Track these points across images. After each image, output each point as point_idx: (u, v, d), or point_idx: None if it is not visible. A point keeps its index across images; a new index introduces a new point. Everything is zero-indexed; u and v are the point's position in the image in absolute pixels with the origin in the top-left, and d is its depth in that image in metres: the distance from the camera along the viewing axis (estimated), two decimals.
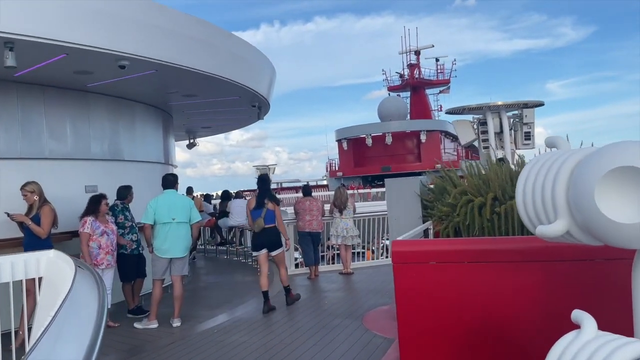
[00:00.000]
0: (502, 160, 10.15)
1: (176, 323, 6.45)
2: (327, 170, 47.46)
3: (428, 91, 53.02)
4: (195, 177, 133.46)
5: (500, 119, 11.36)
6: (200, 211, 13.34)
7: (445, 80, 52.75)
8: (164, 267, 6.47)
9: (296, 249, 10.31)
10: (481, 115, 11.67)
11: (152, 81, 7.29)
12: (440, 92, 54.50)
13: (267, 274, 7.37)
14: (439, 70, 52.72)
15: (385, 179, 6.26)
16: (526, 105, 11.15)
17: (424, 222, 5.91)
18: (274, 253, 7.32)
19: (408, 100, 50.28)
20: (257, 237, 7.29)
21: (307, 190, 9.70)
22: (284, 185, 47.69)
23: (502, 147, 11.41)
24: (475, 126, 11.70)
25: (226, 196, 13.03)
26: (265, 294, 7.10)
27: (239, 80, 7.87)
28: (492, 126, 11.27)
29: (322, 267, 9.86)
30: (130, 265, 7.01)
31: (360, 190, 37.41)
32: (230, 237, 12.98)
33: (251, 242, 7.47)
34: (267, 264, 7.42)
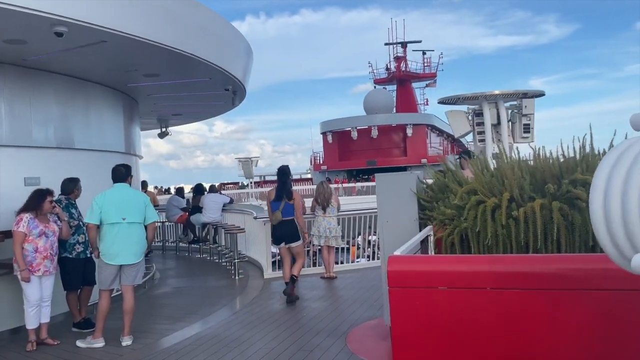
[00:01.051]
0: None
1: (126, 341, 5.44)
2: (311, 164, 46.45)
3: (414, 85, 52.27)
4: (179, 169, 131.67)
5: (498, 110, 10.51)
6: (155, 206, 12.25)
7: (432, 74, 52.02)
8: (112, 275, 5.44)
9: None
10: (477, 106, 10.81)
11: (104, 56, 6.24)
12: (427, 85, 53.81)
13: (290, 265, 7.32)
14: (425, 64, 51.97)
15: (376, 174, 5.31)
16: (525, 95, 10.30)
17: (421, 226, 4.99)
18: (293, 245, 7.30)
19: (394, 94, 49.42)
20: (274, 230, 7.33)
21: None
22: (268, 178, 46.51)
23: (499, 140, 10.57)
24: (470, 117, 10.84)
25: (199, 190, 11.98)
26: (288, 285, 7.10)
27: (208, 58, 6.85)
28: (488, 117, 10.41)
29: (302, 270, 8.88)
30: (76, 271, 5.98)
31: (345, 185, 36.53)
32: (203, 235, 11.95)
33: (271, 234, 7.56)
34: (288, 255, 7.38)
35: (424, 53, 52.29)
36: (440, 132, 46.84)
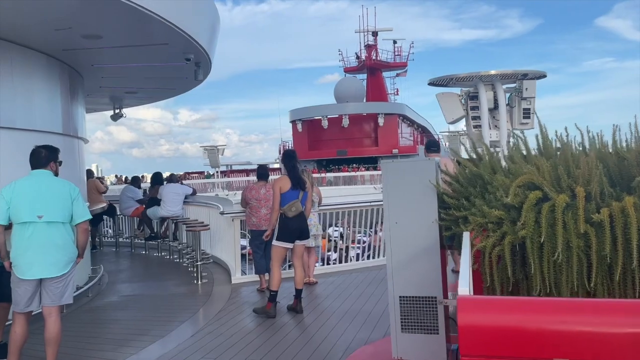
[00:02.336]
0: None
1: None
2: (279, 153, 44.98)
3: (385, 74, 51.32)
4: (142, 158, 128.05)
5: (495, 93, 9.43)
6: (102, 193, 10.65)
7: (403, 63, 51.20)
8: (27, 293, 4.05)
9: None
10: (471, 88, 9.70)
11: (25, 6, 4.78)
12: (397, 75, 53.02)
13: (302, 268, 6.21)
14: (396, 53, 51.10)
15: (382, 161, 4.08)
16: (525, 76, 9.25)
17: (441, 230, 3.81)
18: (306, 242, 6.27)
19: (364, 83, 48.33)
20: (290, 223, 5.86)
21: (263, 172, 7.35)
22: (235, 167, 44.83)
23: (495, 126, 9.50)
24: (463, 101, 9.73)
25: (157, 180, 10.53)
26: (298, 295, 6.04)
27: (165, 15, 5.46)
28: (485, 101, 9.31)
29: None
30: None
31: (315, 175, 35.30)
32: (162, 230, 10.52)
33: (279, 231, 5.90)
34: (301, 257, 6.21)
35: (394, 42, 51.42)
36: (412, 123, 46.11)
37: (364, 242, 12.82)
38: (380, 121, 39.69)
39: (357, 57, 50.79)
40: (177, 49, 6.72)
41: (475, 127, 9.44)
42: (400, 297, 3.99)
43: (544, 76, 9.36)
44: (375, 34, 50.06)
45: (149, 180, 14.91)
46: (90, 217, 4.29)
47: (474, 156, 4.08)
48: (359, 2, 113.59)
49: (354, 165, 37.90)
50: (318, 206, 7.49)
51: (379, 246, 8.68)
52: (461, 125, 10.20)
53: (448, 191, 3.80)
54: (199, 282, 7.67)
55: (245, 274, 8.23)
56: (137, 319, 6.12)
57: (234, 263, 7.76)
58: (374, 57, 49.30)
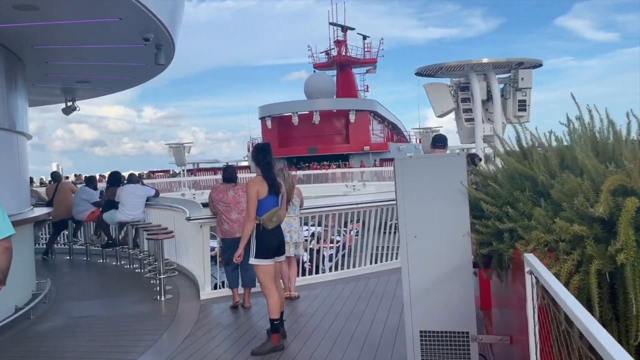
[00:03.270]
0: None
1: None
2: (248, 150, 43.72)
3: (354, 70, 50.62)
4: (105, 156, 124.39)
5: (488, 83, 8.69)
6: (42, 202, 9.66)
7: (373, 60, 50.61)
8: None
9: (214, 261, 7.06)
10: (462, 78, 8.94)
11: None
12: (367, 71, 52.39)
13: (281, 289, 5.07)
14: (366, 49, 50.47)
15: (396, 158, 3.20)
16: (521, 65, 8.53)
17: (473, 245, 2.95)
18: (283, 258, 5.07)
19: (334, 79, 47.51)
20: (272, 237, 4.67)
21: (229, 174, 6.36)
22: (202, 166, 43.36)
23: (489, 119, 8.76)
24: (453, 92, 8.96)
25: (115, 180, 9.41)
26: (281, 316, 4.77)
27: None
28: (478, 92, 8.55)
29: (253, 288, 6.65)
30: None
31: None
32: (121, 237, 9.42)
33: (256, 246, 4.65)
34: (279, 277, 5.10)
35: (364, 38, 50.84)
36: (382, 119, 45.54)
37: (338, 241, 12.01)
38: (352, 118, 38.93)
39: (327, 54, 49.98)
40: (133, 27, 5.68)
41: (467, 120, 8.68)
42: (421, 332, 3.11)
43: (540, 65, 8.67)
44: (345, 29, 49.33)
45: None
46: (13, 232, 3.26)
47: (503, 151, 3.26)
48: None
49: (325, 162, 37.03)
50: (299, 209, 6.56)
51: (353, 246, 7.87)
52: (442, 121, 9.44)
53: (483, 196, 2.94)
54: (163, 298, 6.66)
55: (216, 286, 7.28)
56: (85, 349, 5.07)
57: (203, 276, 6.77)
58: (343, 53, 48.53)
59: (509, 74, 8.81)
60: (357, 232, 8.25)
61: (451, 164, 2.95)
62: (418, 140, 44.46)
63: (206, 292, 6.62)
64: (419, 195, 3.01)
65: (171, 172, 37.63)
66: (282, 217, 4.79)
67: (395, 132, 49.57)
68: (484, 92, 8.61)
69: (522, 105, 8.60)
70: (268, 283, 4.61)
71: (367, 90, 52.93)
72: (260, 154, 4.77)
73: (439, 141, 6.85)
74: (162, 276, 6.70)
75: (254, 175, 5.15)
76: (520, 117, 8.68)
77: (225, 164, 38.38)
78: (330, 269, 7.38)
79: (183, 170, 34.83)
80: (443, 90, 8.85)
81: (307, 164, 37.50)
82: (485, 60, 8.41)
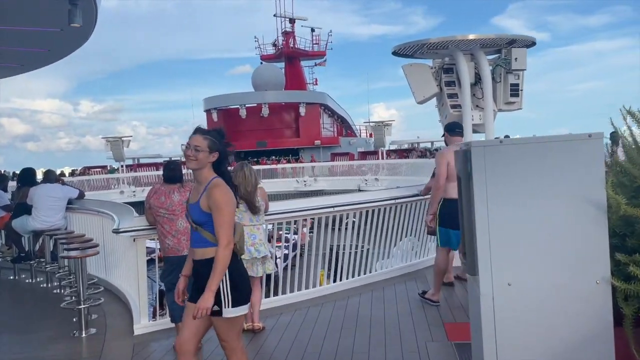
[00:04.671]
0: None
1: None
2: None
3: (303, 63, 49.26)
4: (39, 152, 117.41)
5: (476, 64, 7.52)
6: None
7: (322, 52, 49.47)
8: None
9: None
10: (446, 59, 7.73)
11: None
12: (316, 64, 51.21)
13: None
14: (314, 42, 49.20)
15: (473, 144, 1.80)
16: (513, 43, 7.42)
17: (615, 293, 1.66)
18: None
19: (283, 72, 45.94)
20: (243, 268, 3.17)
21: (173, 172, 4.80)
22: (143, 161, 40.71)
23: (477, 106, 7.60)
24: (436, 75, 7.75)
25: (27, 179, 7.60)
26: None
27: None
28: (466, 73, 7.37)
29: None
30: None
31: (231, 169, 32.37)
32: (35, 249, 7.65)
33: (238, 286, 2.97)
34: None
35: (312, 30, 49.54)
36: (332, 113, 44.42)
37: (294, 239, 10.60)
38: (302, 111, 37.56)
39: (274, 45, 48.33)
40: None
41: (453, 107, 7.48)
42: None
43: (534, 44, 7.58)
44: (292, 21, 47.81)
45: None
46: None
47: None
48: None
49: (274, 157, 35.50)
50: (265, 215, 5.12)
51: (306, 245, 6.54)
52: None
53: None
54: (84, 334, 5.08)
55: (155, 312, 5.77)
56: None
57: (137, 302, 5.21)
58: (291, 45, 47.04)
59: (498, 55, 7.68)
60: (311, 229, 6.90)
61: (581, 154, 1.65)
62: (369, 135, 43.79)
63: (142, 324, 5.07)
64: (518, 208, 1.69)
65: (109, 168, 35.02)
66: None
67: (344, 126, 48.61)
68: (472, 74, 7.44)
69: (515, 90, 7.50)
70: (237, 340, 3.12)
71: (317, 84, 51.73)
72: (216, 134, 3.31)
73: (458, 127, 5.65)
74: (82, 306, 5.11)
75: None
76: (512, 104, 7.57)
77: (168, 158, 36.16)
78: (299, 287, 5.97)
79: (122, 166, 32.45)
80: (425, 72, 7.63)
81: (256, 159, 35.84)
82: (471, 37, 7.24)
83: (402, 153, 34.29)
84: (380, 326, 4.91)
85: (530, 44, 7.52)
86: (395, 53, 7.92)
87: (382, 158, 31.16)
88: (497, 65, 7.46)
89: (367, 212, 6.41)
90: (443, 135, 5.74)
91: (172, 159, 32.02)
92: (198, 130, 3.00)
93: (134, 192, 30.31)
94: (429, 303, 5.49)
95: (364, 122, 41.39)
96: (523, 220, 1.74)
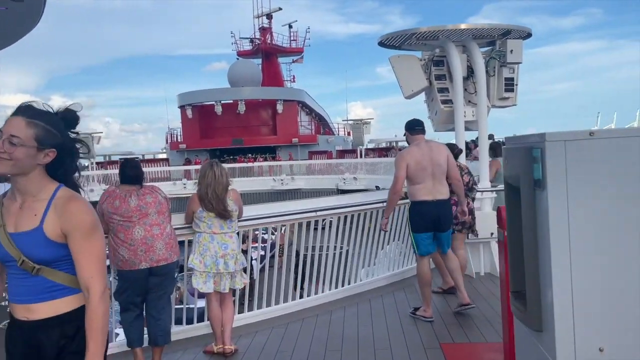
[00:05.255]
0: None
1: None
2: (167, 142, 40.41)
3: (280, 60, 48.48)
4: None
5: (469, 57, 6.99)
6: None
7: (299, 49, 48.73)
8: None
9: None
10: (437, 50, 7.17)
11: None
12: (294, 61, 50.45)
13: None
14: (292, 38, 48.46)
15: (548, 140, 1.17)
16: (508, 34, 6.90)
17: None
18: None
19: (260, 68, 45.07)
20: None
21: (131, 171, 4.11)
22: (115, 158, 39.47)
23: (469, 101, 7.07)
24: (425, 68, 7.19)
25: None
26: None
27: None
28: (458, 66, 6.82)
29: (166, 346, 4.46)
30: None
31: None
32: None
33: None
34: None
35: (290, 26, 48.75)
36: (310, 111, 43.79)
37: (272, 240, 10.00)
38: (279, 108, 36.87)
39: (251, 41, 47.43)
40: None
41: (443, 102, 6.94)
42: None
43: (530, 35, 7.08)
44: (269, 16, 46.97)
45: None
46: None
47: None
48: None
49: (250, 155, 34.74)
50: (237, 221, 4.48)
51: (286, 246, 5.92)
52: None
53: None
54: None
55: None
56: None
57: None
58: (269, 41, 46.21)
59: (491, 47, 7.16)
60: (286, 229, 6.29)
61: None
62: (347, 133, 43.28)
63: None
64: (619, 236, 1.11)
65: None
66: None
67: (322, 124, 48.01)
68: (464, 67, 6.90)
69: (509, 85, 6.99)
70: None
71: (294, 81, 50.96)
72: None
73: (418, 124, 5.17)
74: None
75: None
76: (506, 100, 7.06)
77: (136, 157, 35.10)
78: (276, 300, 5.34)
79: (92, 163, 31.31)
80: (414, 65, 7.07)
81: (231, 157, 35.03)
82: (463, 27, 6.70)
83: (381, 152, 33.91)
84: (369, 348, 4.33)
85: (526, 35, 7.01)
86: (381, 44, 7.34)
87: (361, 157, 30.69)
88: (491, 58, 6.94)
89: (352, 216, 5.81)
90: (405, 134, 5.25)
91: (134, 156, 30.91)
92: (21, 110, 1.81)
93: (104, 190, 29.25)
94: (422, 320, 4.93)
95: (343, 120, 40.87)
96: (627, 255, 1.16)
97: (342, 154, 35.03)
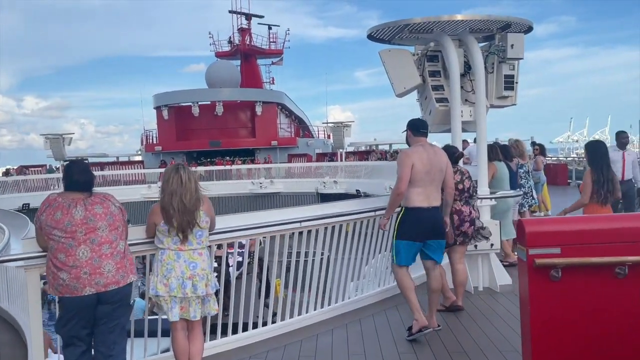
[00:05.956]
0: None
1: None
2: (142, 144, 39.23)
3: (259, 62, 47.74)
4: None
5: (466, 52, 6.41)
6: None
7: (279, 51, 48.03)
8: None
9: None
10: (432, 44, 6.57)
11: None
12: (273, 63, 49.74)
13: None
14: (271, 39, 47.75)
15: None
16: (507, 28, 6.35)
17: None
18: None
19: (239, 69, 44.19)
20: None
21: (80, 175, 3.38)
22: (90, 160, 38.13)
23: (466, 100, 6.49)
24: (419, 64, 6.60)
25: None
26: None
27: None
28: (455, 61, 6.25)
29: None
30: None
31: None
32: None
33: None
34: None
35: (269, 27, 48.05)
36: (290, 113, 43.12)
37: (243, 244, 9.33)
38: (258, 110, 36.06)
39: (230, 42, 46.57)
40: None
41: (438, 101, 6.35)
42: None
43: (531, 28, 6.54)
44: (249, 17, 46.21)
45: None
46: None
47: None
48: None
49: (228, 158, 33.88)
50: (208, 235, 3.79)
51: (257, 252, 5.24)
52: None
53: None
54: None
55: None
56: None
57: (32, 353, 3.76)
58: (248, 42, 45.42)
59: (487, 42, 6.61)
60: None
61: None
62: (327, 136, 42.67)
63: None
64: None
65: (47, 167, 32.47)
66: None
67: (302, 127, 47.36)
68: (461, 63, 6.33)
69: (509, 82, 6.44)
70: None
71: (273, 83, 50.22)
72: None
73: (424, 127, 4.69)
74: None
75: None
76: (505, 98, 6.52)
77: (85, 159, 33.99)
78: (253, 323, 4.64)
79: (62, 165, 30.10)
80: (406, 60, 6.48)
81: (209, 159, 34.11)
82: (459, 17, 6.12)
83: (362, 155, 33.41)
84: None
85: (527, 28, 6.47)
86: (371, 37, 6.74)
87: (341, 160, 30.12)
88: (489, 53, 6.38)
89: (340, 225, 5.16)
90: (404, 132, 4.73)
91: (80, 158, 29.78)
92: None
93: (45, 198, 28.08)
94: (421, 335, 4.37)
95: (323, 123, 40.24)
96: None
97: (322, 157, 34.43)
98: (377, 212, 5.26)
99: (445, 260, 5.67)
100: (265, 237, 4.50)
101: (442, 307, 5.25)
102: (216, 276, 3.83)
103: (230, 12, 45.10)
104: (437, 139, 7.38)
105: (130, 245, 3.55)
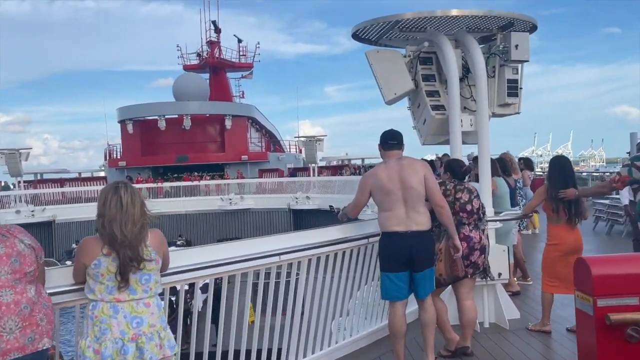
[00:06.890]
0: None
1: None
2: (105, 159, 37.59)
3: (229, 75, 46.74)
4: None
5: (464, 53, 5.66)
6: None
7: (249, 64, 47.15)
8: None
9: None
10: (425, 44, 5.79)
11: None
12: (243, 77, 48.81)
13: None
14: (241, 53, 46.85)
15: None
16: (510, 26, 5.63)
17: None
18: None
19: (207, 82, 43.10)
20: None
21: None
22: (47, 177, 36.33)
23: (465, 108, 5.71)
24: (411, 67, 5.80)
25: None
26: None
27: None
28: (453, 62, 5.46)
29: None
30: None
31: (150, 185, 29.30)
32: None
33: None
34: None
35: (239, 41, 47.18)
36: (260, 127, 42.18)
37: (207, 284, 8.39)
38: (228, 124, 35.00)
39: (198, 55, 45.46)
40: None
41: (434, 108, 5.55)
42: None
43: (535, 28, 5.81)
44: (218, 30, 45.23)
45: None
46: None
47: None
48: (195, 8, 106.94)
49: (197, 173, 32.67)
50: (159, 280, 2.84)
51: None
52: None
53: None
54: None
55: None
56: None
57: None
58: (217, 55, 44.41)
59: (487, 43, 5.88)
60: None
61: None
62: (299, 150, 41.84)
63: None
64: None
65: (3, 184, 30.64)
66: None
67: (273, 141, 46.44)
68: (458, 66, 5.56)
69: (513, 88, 5.70)
70: None
71: (243, 97, 49.22)
72: None
73: (393, 138, 3.93)
74: None
75: None
76: (509, 106, 5.77)
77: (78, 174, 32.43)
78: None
79: (19, 182, 28.39)
80: (397, 62, 5.68)
81: (176, 175, 32.83)
82: (455, 12, 5.34)
83: (335, 170, 32.68)
84: None
85: (532, 27, 5.76)
86: (355, 36, 5.92)
87: (314, 174, 29.28)
88: (491, 55, 5.64)
89: (327, 256, 4.25)
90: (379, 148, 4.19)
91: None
92: None
93: (32, 211, 26.55)
94: None
95: (295, 137, 39.39)
96: None
97: (293, 172, 33.57)
98: (370, 239, 4.40)
99: (445, 293, 4.86)
100: (234, 275, 3.55)
101: (446, 353, 4.41)
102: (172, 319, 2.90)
103: (203, 33, 43.83)
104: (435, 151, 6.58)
105: (53, 295, 2.59)
